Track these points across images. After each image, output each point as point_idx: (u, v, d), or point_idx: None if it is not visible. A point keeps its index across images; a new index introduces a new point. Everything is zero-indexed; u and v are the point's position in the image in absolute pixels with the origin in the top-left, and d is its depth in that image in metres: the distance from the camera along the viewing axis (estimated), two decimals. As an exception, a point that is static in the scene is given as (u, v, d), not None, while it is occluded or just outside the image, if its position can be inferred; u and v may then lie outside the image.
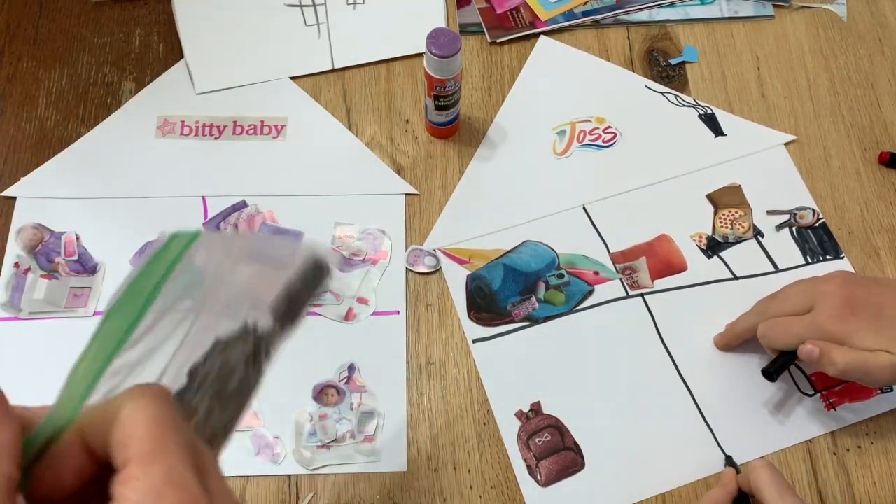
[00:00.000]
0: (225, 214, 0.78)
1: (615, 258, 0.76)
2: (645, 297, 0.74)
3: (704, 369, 0.71)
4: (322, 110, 0.83)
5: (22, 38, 0.87)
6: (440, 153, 0.81)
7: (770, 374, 0.65)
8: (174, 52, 0.86)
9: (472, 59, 0.86)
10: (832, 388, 0.70)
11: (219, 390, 0.40)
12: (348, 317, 0.74)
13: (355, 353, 0.72)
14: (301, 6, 0.88)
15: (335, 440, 0.69)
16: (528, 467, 0.68)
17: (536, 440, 0.69)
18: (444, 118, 0.78)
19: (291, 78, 0.85)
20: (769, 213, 0.78)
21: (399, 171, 0.80)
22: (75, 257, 0.76)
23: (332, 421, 0.69)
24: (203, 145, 0.81)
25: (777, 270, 0.76)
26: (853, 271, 0.76)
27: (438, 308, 0.74)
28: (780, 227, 0.78)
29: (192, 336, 0.40)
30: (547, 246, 0.77)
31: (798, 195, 0.79)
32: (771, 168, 0.81)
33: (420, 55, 0.84)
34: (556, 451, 0.68)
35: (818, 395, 0.70)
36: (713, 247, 0.77)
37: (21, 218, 0.77)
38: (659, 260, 0.76)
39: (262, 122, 0.83)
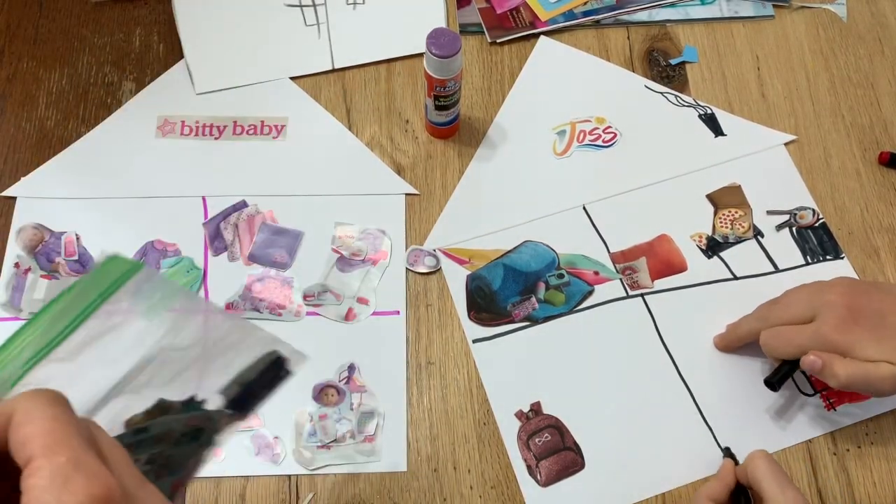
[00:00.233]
0: (225, 214, 0.78)
1: (615, 258, 0.76)
2: (645, 297, 0.74)
3: (704, 369, 0.71)
4: (322, 110, 0.83)
5: (22, 38, 0.87)
6: (440, 153, 0.81)
7: (772, 384, 0.66)
8: (174, 52, 0.86)
9: (472, 59, 0.86)
10: (832, 389, 0.70)
11: (156, 455, 0.40)
12: (348, 317, 0.74)
13: (355, 353, 0.72)
14: (301, 6, 0.88)
15: (335, 440, 0.69)
16: (528, 467, 0.68)
17: (536, 440, 0.69)
18: (444, 118, 0.78)
19: (291, 78, 0.85)
20: (769, 213, 0.78)
21: (399, 171, 0.80)
22: (75, 257, 0.76)
23: (332, 421, 0.69)
24: (203, 145, 0.81)
25: (777, 270, 0.76)
26: (853, 272, 0.76)
27: (438, 308, 0.74)
28: (780, 227, 0.78)
29: (134, 387, 0.40)
30: (547, 246, 0.77)
31: (798, 195, 0.79)
32: (771, 168, 0.81)
33: (420, 55, 0.84)
34: (556, 451, 0.68)
35: (818, 395, 0.70)
36: (713, 247, 0.77)
37: (21, 218, 0.77)
38: (659, 260, 0.76)
39: (262, 122, 0.83)
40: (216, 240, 0.77)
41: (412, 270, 0.76)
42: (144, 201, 0.79)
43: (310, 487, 0.68)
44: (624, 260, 0.76)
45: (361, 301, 0.74)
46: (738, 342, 0.70)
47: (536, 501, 0.67)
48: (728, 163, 0.81)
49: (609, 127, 0.83)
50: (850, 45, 0.87)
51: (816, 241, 0.77)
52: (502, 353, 0.72)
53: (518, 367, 0.72)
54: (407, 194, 0.79)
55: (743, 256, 0.76)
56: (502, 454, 0.69)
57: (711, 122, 0.83)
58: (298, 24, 0.87)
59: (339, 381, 0.71)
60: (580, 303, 0.74)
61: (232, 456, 0.68)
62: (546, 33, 0.87)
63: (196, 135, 0.82)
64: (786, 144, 0.82)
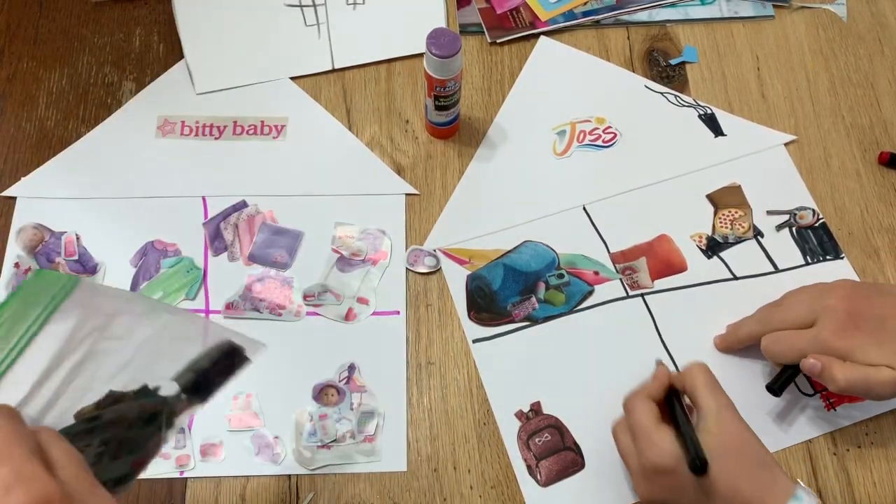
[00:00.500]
0: (225, 214, 0.78)
1: (615, 258, 0.76)
2: (645, 297, 0.74)
3: (704, 369, 0.71)
4: (322, 110, 0.83)
5: (22, 38, 0.87)
6: (440, 153, 0.81)
7: (774, 390, 0.66)
8: (174, 52, 0.86)
9: (472, 59, 0.86)
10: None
11: (110, 437, 0.42)
12: (348, 317, 0.74)
13: (355, 353, 0.72)
14: (301, 6, 0.88)
15: (335, 440, 0.69)
16: (528, 467, 0.68)
17: (536, 440, 0.69)
18: (444, 118, 0.79)
19: (291, 78, 0.85)
20: (769, 213, 0.78)
21: (399, 171, 0.80)
22: (75, 257, 0.76)
23: (332, 421, 0.69)
24: (203, 145, 0.81)
25: (777, 270, 0.76)
26: (853, 273, 0.76)
27: (438, 308, 0.74)
28: (780, 227, 0.78)
29: (81, 381, 0.43)
30: (547, 246, 0.77)
31: (798, 195, 0.79)
32: (771, 168, 0.81)
33: (420, 55, 0.84)
34: (556, 451, 0.68)
35: (818, 395, 0.70)
36: (713, 247, 0.77)
37: (21, 218, 0.77)
38: (659, 260, 0.76)
39: (262, 122, 0.83)
40: (216, 240, 0.77)
41: (412, 270, 0.76)
42: (144, 201, 0.79)
43: (310, 487, 0.68)
44: (624, 260, 0.76)
45: (361, 301, 0.74)
46: (738, 344, 0.70)
47: (536, 501, 0.67)
48: (728, 163, 0.81)
49: (609, 127, 0.83)
50: (850, 45, 0.87)
51: (816, 241, 0.77)
52: (502, 353, 0.72)
53: (518, 367, 0.72)
54: (407, 194, 0.79)
55: (743, 256, 0.76)
56: (502, 454, 0.69)
57: (711, 122, 0.83)
58: (298, 24, 0.87)
59: (339, 381, 0.71)
60: (580, 303, 0.74)
61: (232, 456, 0.68)
62: (546, 33, 0.87)
63: (196, 135, 0.82)
64: (786, 144, 0.82)
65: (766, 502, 0.56)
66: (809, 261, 0.76)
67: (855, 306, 0.62)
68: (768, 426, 0.69)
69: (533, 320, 0.74)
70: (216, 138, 0.82)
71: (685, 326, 0.73)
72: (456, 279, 0.75)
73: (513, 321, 0.74)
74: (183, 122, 0.82)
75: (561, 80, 0.85)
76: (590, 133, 0.82)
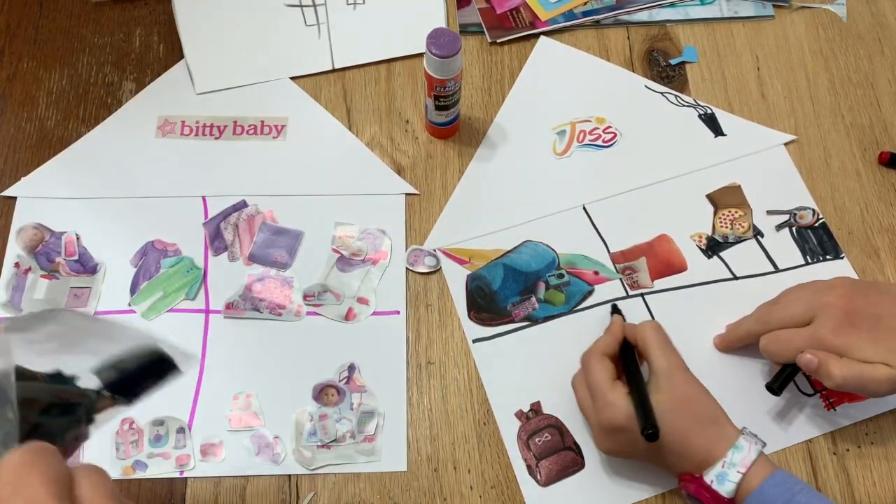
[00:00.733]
0: (225, 214, 0.78)
1: (615, 258, 0.76)
2: (645, 297, 0.74)
3: (704, 369, 0.71)
4: (322, 110, 0.83)
5: (22, 38, 0.87)
6: (440, 153, 0.81)
7: (773, 389, 0.66)
8: (174, 52, 0.86)
9: (472, 59, 0.86)
10: (832, 389, 0.70)
11: (23, 418, 0.43)
12: (348, 317, 0.74)
13: (355, 353, 0.72)
14: (301, 6, 0.88)
15: (335, 440, 0.69)
16: (528, 467, 0.68)
17: (536, 440, 0.69)
18: (444, 118, 0.79)
19: (291, 78, 0.85)
20: (769, 213, 0.78)
21: (399, 171, 0.80)
22: (75, 257, 0.76)
23: (332, 421, 0.69)
24: (203, 145, 0.81)
25: (777, 270, 0.76)
26: (853, 272, 0.76)
27: (438, 308, 0.74)
28: (779, 227, 0.78)
29: None
30: (547, 246, 0.77)
31: (798, 195, 0.79)
32: (771, 168, 0.81)
33: (420, 55, 0.84)
34: (556, 451, 0.68)
35: (818, 395, 0.70)
36: (713, 247, 0.77)
37: (21, 218, 0.78)
38: (659, 260, 0.76)
39: (262, 122, 0.83)
40: (216, 240, 0.77)
41: (412, 270, 0.76)
42: (144, 201, 0.79)
43: (310, 487, 0.68)
44: (624, 260, 0.76)
45: (361, 301, 0.74)
46: (737, 343, 0.70)
47: (536, 501, 0.67)
48: (728, 163, 0.81)
49: (609, 127, 0.83)
50: (850, 45, 0.87)
51: (816, 241, 0.77)
52: (502, 353, 0.72)
53: (518, 367, 0.72)
54: (407, 194, 0.79)
55: (743, 256, 0.76)
56: (502, 454, 0.69)
57: (711, 122, 0.83)
58: (298, 24, 0.87)
59: (339, 381, 0.71)
60: (580, 303, 0.74)
61: (232, 456, 0.68)
62: (546, 33, 0.87)
63: (196, 135, 0.82)
64: (786, 144, 0.82)
65: (713, 454, 0.60)
66: (809, 261, 0.76)
67: (852, 304, 0.63)
68: (768, 426, 0.69)
69: (533, 320, 0.74)
70: (216, 138, 0.82)
71: (685, 326, 0.73)
72: (456, 279, 0.75)
73: (513, 321, 0.74)
74: (183, 122, 0.82)
75: (561, 80, 0.85)
76: (590, 133, 0.82)
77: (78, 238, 0.77)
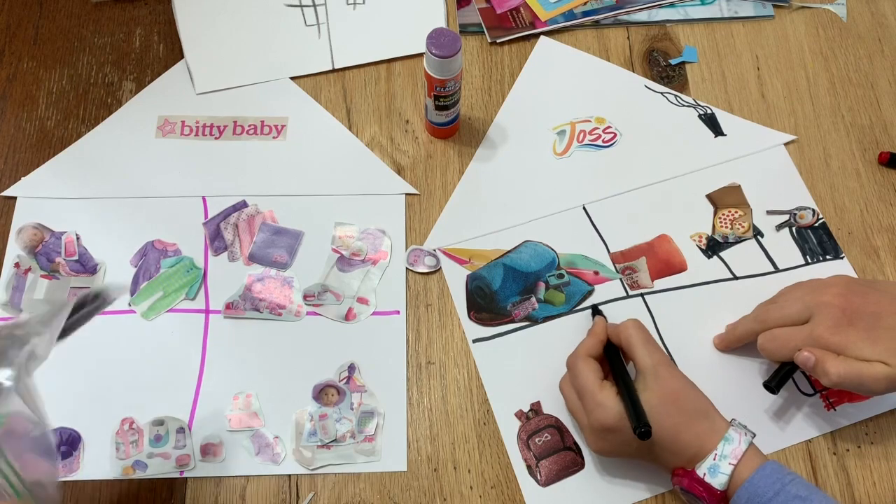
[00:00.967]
0: (225, 214, 0.78)
1: (615, 258, 0.76)
2: (645, 297, 0.74)
3: (704, 368, 0.71)
4: (322, 110, 0.83)
5: (22, 38, 0.87)
6: (440, 153, 0.81)
7: (771, 387, 0.66)
8: (174, 52, 0.86)
9: (472, 59, 0.86)
10: (832, 389, 0.70)
11: None
12: (348, 317, 0.74)
13: (355, 353, 0.72)
14: (301, 6, 0.88)
15: (335, 440, 0.69)
16: (528, 467, 0.68)
17: (536, 440, 0.69)
18: (444, 118, 0.79)
19: (291, 78, 0.85)
20: (769, 213, 0.78)
21: (399, 171, 0.80)
22: (75, 257, 0.76)
23: (332, 421, 0.70)
24: (203, 145, 0.81)
25: (777, 270, 0.76)
26: (852, 272, 0.76)
27: (438, 308, 0.74)
28: (779, 227, 0.78)
29: None
30: (547, 246, 0.77)
31: (798, 195, 0.79)
32: (771, 168, 0.81)
33: (420, 55, 0.84)
34: (556, 451, 0.68)
35: (818, 395, 0.70)
36: (713, 247, 0.77)
37: (21, 218, 0.78)
38: (659, 260, 0.76)
39: (262, 122, 0.83)
40: (216, 240, 0.77)
41: (412, 270, 0.76)
42: (144, 201, 0.79)
43: (310, 487, 0.68)
44: (624, 260, 0.76)
45: (361, 301, 0.75)
46: (736, 343, 0.71)
47: (536, 501, 0.67)
48: (728, 163, 0.81)
49: (609, 127, 0.83)
50: (850, 45, 0.87)
51: (816, 240, 0.77)
52: (502, 353, 0.72)
53: (518, 367, 0.72)
54: (407, 194, 0.79)
55: (743, 256, 0.76)
56: (502, 454, 0.69)
57: (711, 122, 0.83)
58: (298, 24, 0.87)
59: (339, 381, 0.71)
60: (580, 303, 0.74)
61: (232, 456, 0.68)
62: (546, 33, 0.87)
63: (196, 135, 0.82)
64: (786, 144, 0.82)
65: (704, 447, 0.60)
66: (809, 260, 0.76)
67: (850, 303, 0.63)
68: (768, 426, 0.69)
69: (533, 320, 0.74)
70: (216, 138, 0.82)
71: (685, 326, 0.73)
72: (456, 279, 0.75)
73: (513, 321, 0.74)
74: (183, 122, 0.82)
75: (561, 80, 0.85)
76: (590, 133, 0.82)
77: (78, 238, 0.77)
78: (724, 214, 0.78)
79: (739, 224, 0.78)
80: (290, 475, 0.68)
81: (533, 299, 0.74)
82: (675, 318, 0.73)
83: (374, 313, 0.74)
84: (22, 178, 0.79)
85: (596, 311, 0.73)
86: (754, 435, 0.62)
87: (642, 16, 0.88)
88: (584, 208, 0.79)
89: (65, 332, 0.55)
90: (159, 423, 0.69)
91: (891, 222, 0.78)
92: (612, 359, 0.66)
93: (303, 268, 0.76)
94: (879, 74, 0.86)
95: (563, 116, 0.83)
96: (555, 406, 0.70)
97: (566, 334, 0.73)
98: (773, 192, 0.79)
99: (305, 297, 0.74)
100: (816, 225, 0.78)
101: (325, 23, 0.87)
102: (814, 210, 0.78)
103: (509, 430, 0.69)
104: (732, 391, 0.70)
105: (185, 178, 0.80)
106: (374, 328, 0.73)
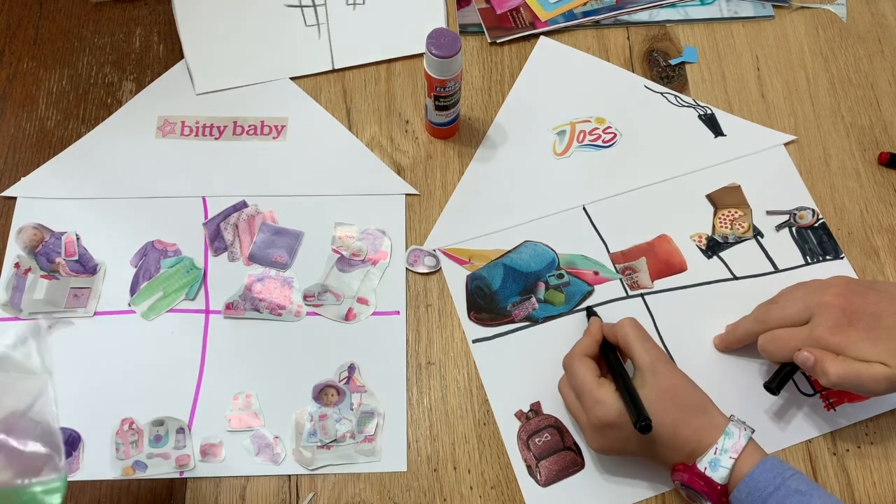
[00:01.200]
0: (225, 214, 0.78)
1: (615, 258, 0.76)
2: (645, 297, 0.74)
3: (704, 369, 0.71)
4: (322, 110, 0.83)
5: (22, 38, 0.87)
6: (440, 153, 0.81)
7: (771, 388, 0.66)
8: (174, 52, 0.86)
9: (472, 60, 0.86)
10: (832, 389, 0.70)
11: None
12: (348, 317, 0.74)
13: (355, 353, 0.72)
14: (301, 6, 0.88)
15: (335, 440, 0.69)
16: (528, 467, 0.68)
17: (536, 440, 0.69)
18: (444, 118, 0.79)
19: (291, 78, 0.85)
20: (769, 213, 0.78)
21: (399, 171, 0.80)
22: (75, 257, 0.76)
23: (332, 421, 0.69)
24: (203, 145, 0.81)
25: (777, 270, 0.76)
26: (852, 272, 0.76)
27: (438, 308, 0.74)
28: (779, 227, 0.78)
29: None
30: (547, 246, 0.77)
31: (798, 195, 0.79)
32: (771, 168, 0.81)
33: (420, 55, 0.84)
34: (556, 451, 0.68)
35: (818, 395, 0.70)
36: (713, 247, 0.77)
37: (21, 218, 0.78)
38: (659, 260, 0.76)
39: (262, 122, 0.83)
40: (216, 240, 0.77)
41: (412, 270, 0.76)
42: (144, 201, 0.79)
43: (310, 487, 0.68)
44: (624, 260, 0.76)
45: (361, 301, 0.74)
46: (737, 343, 0.71)
47: (536, 501, 0.67)
48: (728, 163, 0.81)
49: (609, 127, 0.83)
50: (850, 45, 0.87)
51: (816, 241, 0.77)
52: (502, 353, 0.72)
53: (518, 367, 0.72)
54: (407, 194, 0.79)
55: (743, 256, 0.76)
56: (502, 454, 0.69)
57: (711, 122, 0.83)
58: (298, 24, 0.87)
59: (339, 381, 0.71)
60: (580, 303, 0.74)
61: (232, 456, 0.68)
62: (546, 33, 0.87)
63: (196, 135, 0.82)
64: (785, 144, 0.82)
65: (704, 441, 0.61)
66: (809, 261, 0.76)
67: (849, 303, 0.63)
68: (768, 426, 0.69)
69: (533, 320, 0.74)
70: (216, 138, 0.82)
71: (685, 326, 0.73)
72: (456, 279, 0.75)
73: (513, 321, 0.74)
74: (183, 122, 0.82)
75: (561, 80, 0.85)
76: (590, 133, 0.82)
77: (78, 238, 0.77)
78: (724, 214, 0.78)
79: (739, 224, 0.78)
80: (290, 475, 0.68)
81: (533, 299, 0.74)
82: (674, 319, 0.73)
83: (374, 313, 0.74)
84: (22, 178, 0.79)
85: (591, 312, 0.73)
86: (753, 430, 0.62)
87: (642, 16, 0.88)
88: (584, 208, 0.79)
89: None
90: (159, 423, 0.69)
91: (891, 222, 0.78)
92: (610, 357, 0.67)
93: (303, 268, 0.76)
94: (879, 74, 0.86)
95: (563, 116, 0.83)
96: (555, 406, 0.70)
97: (566, 334, 0.73)
98: (773, 193, 0.79)
99: (305, 297, 0.74)
100: (816, 225, 0.78)
101: (325, 23, 0.87)
102: (814, 210, 0.78)
103: (509, 431, 0.69)
104: (732, 391, 0.70)
105: (185, 178, 0.80)
106: (374, 328, 0.73)
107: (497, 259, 0.76)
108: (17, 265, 0.75)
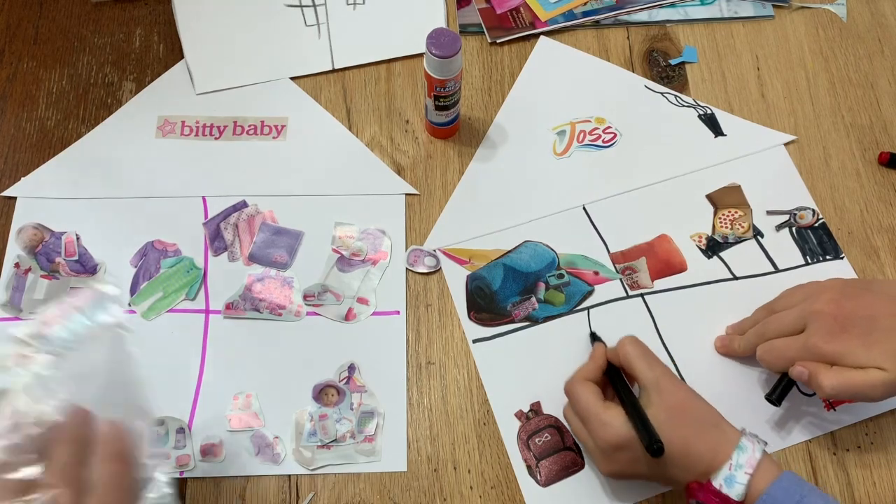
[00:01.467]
0: (225, 214, 0.78)
1: (615, 258, 0.76)
2: (645, 297, 0.74)
3: (704, 369, 0.71)
4: (322, 110, 0.83)
5: (22, 38, 0.87)
6: (440, 153, 0.81)
7: (772, 400, 0.66)
8: (174, 52, 0.86)
9: (472, 60, 0.86)
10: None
11: None
12: (348, 317, 0.74)
13: (355, 353, 0.72)
14: (301, 6, 0.88)
15: (335, 440, 0.69)
16: (528, 467, 0.68)
17: (536, 440, 0.69)
18: (444, 118, 0.79)
19: (291, 78, 0.85)
20: (769, 213, 0.78)
21: (399, 171, 0.80)
22: (75, 257, 0.76)
23: (332, 421, 0.69)
24: (203, 145, 0.81)
25: (777, 270, 0.76)
26: (852, 272, 0.76)
27: (438, 308, 0.74)
28: (779, 227, 0.78)
29: None
30: (547, 246, 0.77)
31: (798, 195, 0.79)
32: (771, 168, 0.81)
33: (420, 55, 0.84)
34: (556, 451, 0.68)
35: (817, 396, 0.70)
36: (713, 247, 0.77)
37: (21, 218, 0.77)
38: (659, 260, 0.76)
39: (262, 122, 0.83)
40: (216, 240, 0.77)
41: (412, 270, 0.76)
42: (144, 201, 0.79)
43: (310, 487, 0.68)
44: (624, 260, 0.76)
45: (361, 301, 0.74)
46: (738, 356, 0.71)
47: (536, 501, 0.67)
48: (728, 163, 0.81)
49: (609, 127, 0.83)
50: (850, 45, 0.87)
51: (816, 241, 0.77)
52: (502, 353, 0.72)
53: (518, 367, 0.72)
54: (407, 194, 0.79)
55: (743, 256, 0.76)
56: (502, 454, 0.69)
57: (711, 122, 0.83)
58: (298, 24, 0.87)
59: (339, 381, 0.71)
60: (580, 303, 0.74)
61: (232, 456, 0.68)
62: (546, 33, 0.87)
63: (196, 135, 0.82)
64: (786, 144, 0.82)
65: (717, 458, 0.59)
66: (809, 261, 0.76)
67: (842, 309, 0.62)
68: (768, 427, 0.69)
69: (533, 320, 0.74)
70: (216, 138, 0.82)
71: (685, 326, 0.73)
72: (456, 279, 0.75)
73: (513, 321, 0.74)
74: (183, 122, 0.82)
75: (561, 80, 0.85)
76: (590, 133, 0.82)
77: (78, 238, 0.77)
78: (724, 214, 0.78)
79: (739, 224, 0.78)
80: (290, 475, 0.68)
81: (533, 299, 0.74)
82: (674, 319, 0.73)
83: (374, 313, 0.74)
84: (22, 178, 0.79)
85: (595, 337, 0.72)
86: (766, 444, 0.60)
87: (642, 16, 0.88)
88: (584, 208, 0.79)
89: None
90: (159, 423, 0.69)
91: (891, 222, 0.78)
92: (615, 379, 0.65)
93: (303, 268, 0.76)
94: (879, 74, 0.86)
95: (563, 116, 0.83)
96: (555, 406, 0.70)
97: (566, 334, 0.73)
98: (773, 192, 0.79)
99: (305, 297, 0.74)
100: (816, 225, 0.78)
101: (325, 23, 0.87)
102: (814, 210, 0.78)
103: (509, 431, 0.69)
104: (733, 391, 0.70)
105: (185, 178, 0.80)
106: (374, 328, 0.73)
107: (497, 259, 0.76)
108: (17, 265, 0.75)
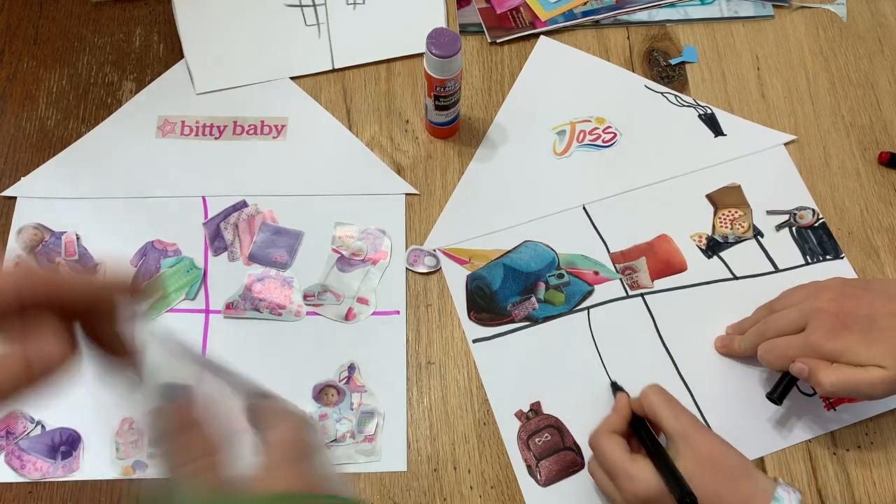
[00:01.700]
0: (225, 214, 0.78)
1: (615, 258, 0.76)
2: (645, 297, 0.74)
3: (704, 369, 0.71)
4: (322, 110, 0.83)
5: (22, 38, 0.87)
6: (440, 153, 0.81)
7: (774, 398, 0.66)
8: (174, 52, 0.86)
9: (472, 59, 0.86)
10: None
11: None
12: (348, 317, 0.74)
13: (355, 353, 0.72)
14: (301, 6, 0.88)
15: (335, 440, 0.69)
16: (528, 467, 0.68)
17: (536, 440, 0.69)
18: (444, 118, 0.79)
19: (291, 78, 0.85)
20: (769, 213, 0.78)
21: (399, 171, 0.80)
22: (75, 257, 0.76)
23: (332, 421, 0.69)
24: (203, 145, 0.81)
25: (777, 270, 0.76)
26: (853, 272, 0.76)
27: (438, 308, 0.74)
28: (779, 227, 0.78)
29: None
30: (547, 246, 0.77)
31: (798, 195, 0.79)
32: (771, 168, 0.81)
33: (420, 55, 0.84)
34: (556, 451, 0.68)
35: (818, 395, 0.70)
36: (713, 247, 0.77)
37: (21, 218, 0.77)
38: (659, 260, 0.76)
39: (262, 122, 0.83)
40: (216, 240, 0.77)
41: (412, 270, 0.76)
42: (144, 201, 0.79)
43: (310, 487, 0.68)
44: (624, 260, 0.76)
45: (361, 301, 0.74)
46: (739, 356, 0.70)
47: (536, 501, 0.67)
48: (728, 163, 0.81)
49: (609, 127, 0.83)
50: (850, 45, 0.87)
51: (816, 240, 0.77)
52: (502, 353, 0.72)
53: (518, 367, 0.72)
54: (407, 194, 0.79)
55: (743, 256, 0.76)
56: (502, 454, 0.69)
57: (711, 122, 0.83)
58: (298, 24, 0.87)
59: (339, 381, 0.71)
60: (580, 303, 0.74)
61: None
62: (546, 33, 0.87)
63: (196, 135, 0.82)
64: (786, 144, 0.82)
65: None
66: (809, 261, 0.76)
67: (842, 307, 0.62)
68: (768, 427, 0.69)
69: (533, 320, 0.74)
70: (216, 138, 0.82)
71: (685, 326, 0.73)
72: (456, 279, 0.75)
73: (513, 321, 0.74)
74: (183, 122, 0.82)
75: (561, 80, 0.85)
76: (590, 133, 0.82)
77: (78, 238, 0.77)
78: (724, 214, 0.78)
79: (739, 224, 0.78)
80: (290, 475, 0.68)
81: (533, 299, 0.74)
82: (674, 319, 0.73)
83: (374, 313, 0.74)
84: (22, 178, 0.79)
85: (617, 387, 0.69)
86: (801, 492, 0.58)
87: (642, 16, 0.88)
88: (584, 208, 0.79)
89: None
90: (159, 423, 0.69)
91: (891, 222, 0.78)
92: (641, 431, 0.62)
93: (303, 268, 0.76)
94: (879, 74, 0.86)
95: (563, 116, 0.83)
96: (555, 406, 0.70)
97: (566, 334, 0.73)
98: (773, 192, 0.79)
99: (305, 297, 0.74)
100: (816, 225, 0.78)
101: (325, 23, 0.87)
102: (814, 210, 0.78)
103: (509, 430, 0.69)
104: (733, 391, 0.70)
105: (185, 178, 0.80)
106: (374, 328, 0.73)
107: (497, 259, 0.76)
108: (17, 265, 0.75)
